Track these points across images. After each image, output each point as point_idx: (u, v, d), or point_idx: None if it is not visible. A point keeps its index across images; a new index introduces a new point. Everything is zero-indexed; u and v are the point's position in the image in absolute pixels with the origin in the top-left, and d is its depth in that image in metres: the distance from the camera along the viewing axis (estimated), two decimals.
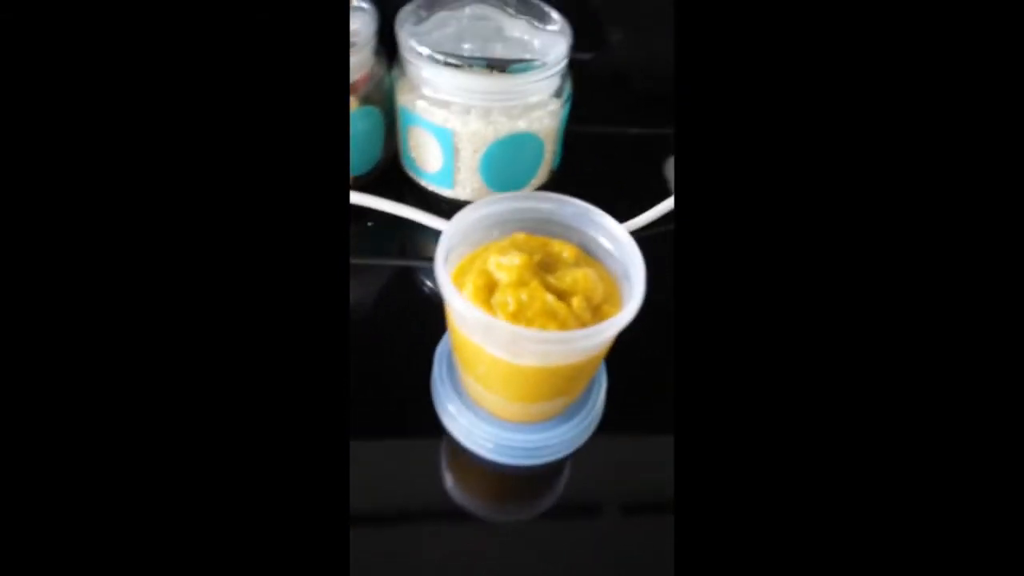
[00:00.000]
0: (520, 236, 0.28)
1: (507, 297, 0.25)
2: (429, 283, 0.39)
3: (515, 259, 0.26)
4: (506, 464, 0.29)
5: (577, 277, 0.26)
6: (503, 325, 0.23)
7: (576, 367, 0.26)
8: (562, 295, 0.26)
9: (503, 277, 0.26)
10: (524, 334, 0.23)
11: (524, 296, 0.25)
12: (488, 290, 0.25)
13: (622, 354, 0.29)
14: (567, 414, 0.30)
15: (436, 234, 0.40)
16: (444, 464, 0.30)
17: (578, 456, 0.30)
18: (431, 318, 0.32)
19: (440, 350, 0.32)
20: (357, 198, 0.40)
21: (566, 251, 0.28)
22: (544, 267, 0.27)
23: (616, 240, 0.28)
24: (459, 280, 0.26)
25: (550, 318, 0.24)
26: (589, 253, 0.29)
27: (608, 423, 0.31)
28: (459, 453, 0.30)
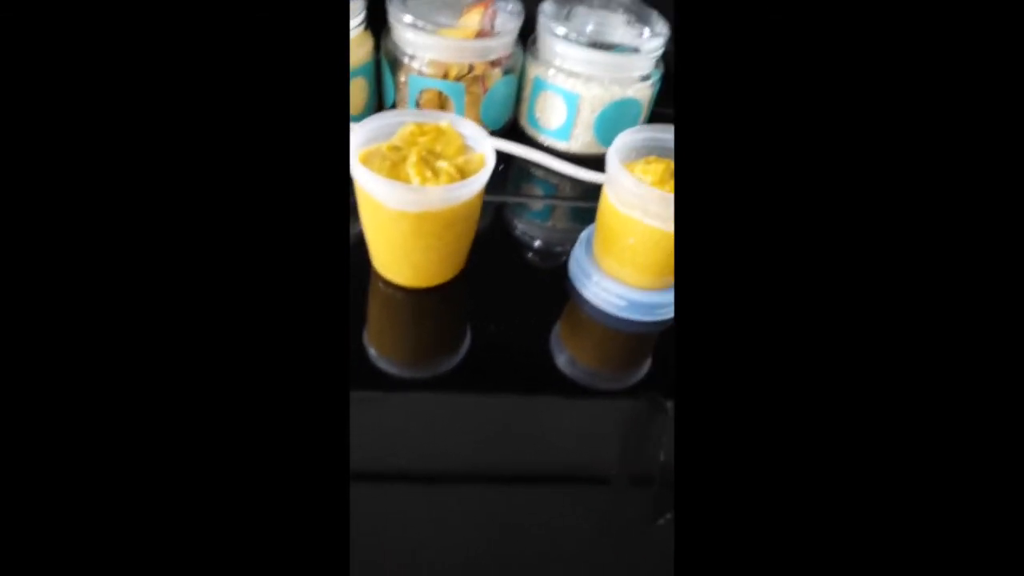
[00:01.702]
0: (652, 158, 0.41)
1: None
2: (524, 219, 0.51)
3: (658, 166, 0.38)
4: (634, 321, 0.41)
5: None
6: (658, 192, 0.35)
7: None
8: None
9: (647, 179, 0.38)
10: (673, 198, 0.35)
11: (667, 190, 0.37)
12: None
13: None
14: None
15: (540, 180, 0.52)
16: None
17: None
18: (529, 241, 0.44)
19: (581, 238, 0.44)
20: (502, 144, 0.52)
21: None
22: (669, 174, 0.39)
23: None
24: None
25: None
26: None
27: None
28: (589, 321, 0.42)
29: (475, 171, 0.36)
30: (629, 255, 0.39)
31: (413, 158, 0.36)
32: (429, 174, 0.35)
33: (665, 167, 0.38)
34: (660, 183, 0.37)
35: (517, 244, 0.47)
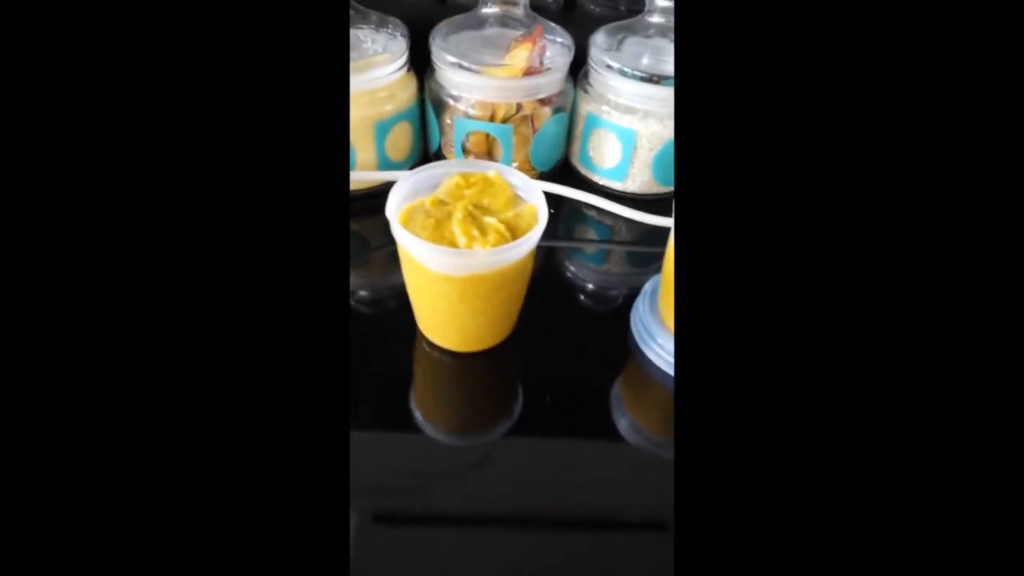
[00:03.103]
0: None
1: None
2: (578, 263, 0.47)
3: None
4: None
5: None
6: None
7: None
8: None
9: None
10: None
11: None
12: None
13: None
14: None
15: (594, 222, 0.49)
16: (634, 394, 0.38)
17: None
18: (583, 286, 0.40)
19: (644, 292, 0.40)
20: (553, 187, 0.49)
21: None
22: None
23: None
24: None
25: None
26: None
27: None
28: (654, 383, 0.37)
29: (526, 226, 0.33)
30: None
31: (459, 214, 0.33)
32: (476, 232, 0.32)
33: None
34: None
35: (570, 292, 0.44)
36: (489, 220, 0.33)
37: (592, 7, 0.68)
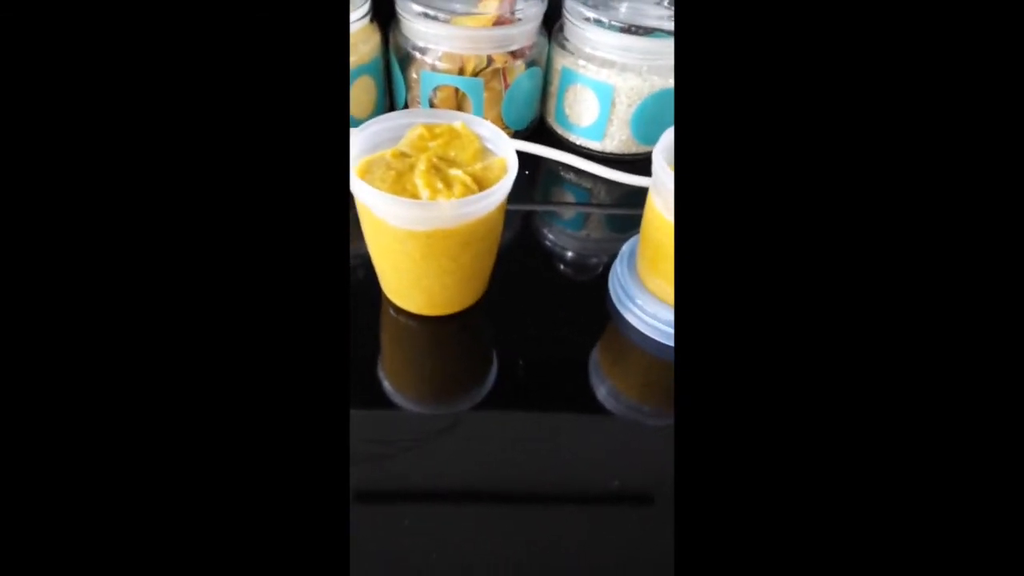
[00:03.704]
0: None
1: None
2: (553, 228, 0.45)
3: None
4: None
5: None
6: None
7: None
8: None
9: None
10: None
11: None
12: None
13: None
14: None
15: (572, 185, 0.47)
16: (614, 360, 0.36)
17: None
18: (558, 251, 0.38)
19: (622, 254, 0.38)
20: (527, 146, 0.46)
21: None
22: None
23: None
24: None
25: None
26: None
27: None
28: (634, 348, 0.35)
29: (495, 179, 0.30)
30: None
31: (422, 166, 0.30)
32: (440, 185, 0.30)
33: None
34: None
35: (547, 258, 0.42)
36: (455, 172, 0.30)
37: None
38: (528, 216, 0.45)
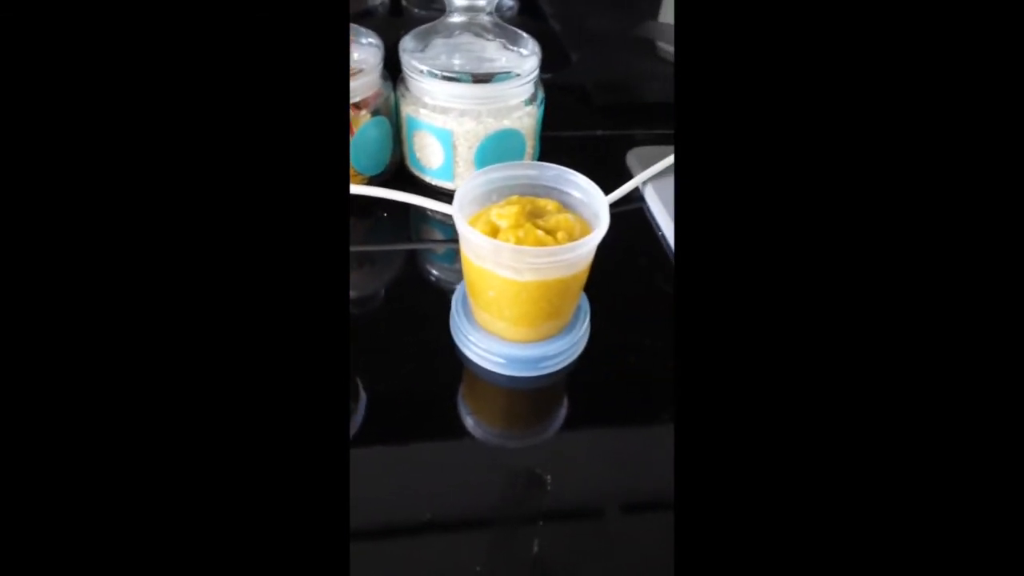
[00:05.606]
0: (514, 198, 0.37)
1: (508, 236, 0.33)
2: (433, 264, 0.47)
3: (512, 208, 0.34)
4: (516, 377, 0.37)
5: (559, 220, 0.35)
6: (507, 245, 0.32)
7: (565, 281, 0.34)
8: (549, 232, 0.34)
9: (503, 224, 0.34)
10: (524, 250, 0.31)
11: (521, 234, 0.33)
12: (493, 234, 0.34)
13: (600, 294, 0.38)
14: (561, 334, 0.38)
15: (438, 223, 0.49)
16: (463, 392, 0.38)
17: (571, 373, 0.38)
18: (438, 286, 0.40)
19: (456, 295, 0.40)
20: (374, 191, 0.48)
21: (550, 205, 0.37)
22: (533, 215, 0.36)
23: (585, 191, 0.36)
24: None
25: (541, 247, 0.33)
26: (566, 206, 0.37)
27: (592, 347, 0.39)
28: (476, 377, 0.38)
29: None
30: (496, 308, 0.35)
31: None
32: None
33: (520, 208, 0.35)
34: (515, 227, 0.34)
35: (408, 295, 0.44)
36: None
37: (418, 10, 0.68)
38: (412, 255, 0.48)
